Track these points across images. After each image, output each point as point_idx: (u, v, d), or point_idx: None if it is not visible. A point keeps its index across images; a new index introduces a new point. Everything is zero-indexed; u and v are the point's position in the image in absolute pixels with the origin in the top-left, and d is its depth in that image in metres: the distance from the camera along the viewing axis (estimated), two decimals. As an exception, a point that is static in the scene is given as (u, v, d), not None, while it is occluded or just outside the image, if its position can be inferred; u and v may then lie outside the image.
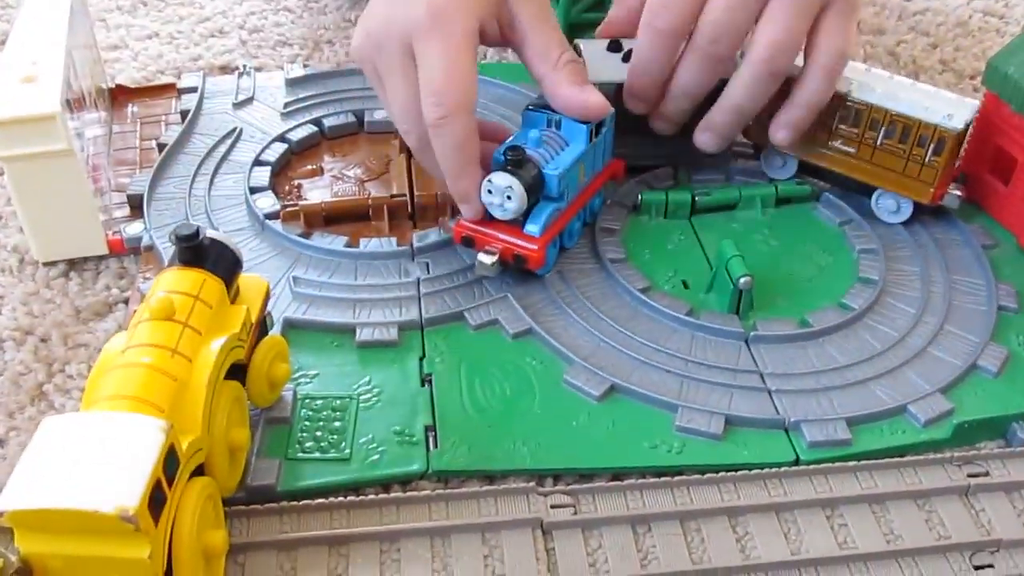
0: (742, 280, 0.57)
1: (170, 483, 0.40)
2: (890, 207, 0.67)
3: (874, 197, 0.67)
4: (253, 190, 0.67)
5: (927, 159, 0.63)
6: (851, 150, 0.66)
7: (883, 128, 0.64)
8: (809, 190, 0.69)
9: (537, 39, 0.60)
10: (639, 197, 0.67)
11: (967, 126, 0.63)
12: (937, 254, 0.65)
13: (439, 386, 0.54)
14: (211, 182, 0.69)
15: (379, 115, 0.75)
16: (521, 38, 0.60)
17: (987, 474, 0.51)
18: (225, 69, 0.85)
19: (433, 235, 0.64)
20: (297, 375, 0.54)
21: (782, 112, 0.64)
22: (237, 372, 0.49)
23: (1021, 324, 0.60)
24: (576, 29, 0.83)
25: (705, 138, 0.66)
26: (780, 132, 0.65)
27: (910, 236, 0.66)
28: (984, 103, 0.68)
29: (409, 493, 0.49)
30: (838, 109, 0.65)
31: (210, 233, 0.50)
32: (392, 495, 0.49)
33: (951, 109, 0.62)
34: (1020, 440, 0.53)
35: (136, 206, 0.67)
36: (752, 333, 0.58)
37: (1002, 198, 0.67)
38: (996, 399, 0.55)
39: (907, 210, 0.67)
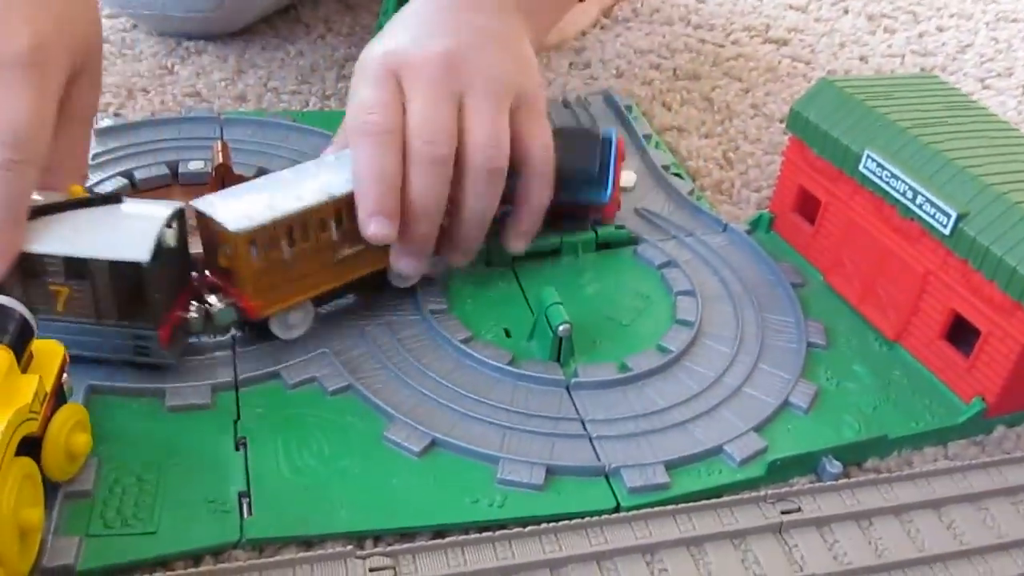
0: (561, 328, 0.58)
1: (-53, 574, 0.37)
2: None
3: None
4: (57, 247, 0.64)
5: None
6: (360, 247, 0.59)
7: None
8: (628, 235, 0.70)
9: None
10: (461, 245, 0.67)
11: None
12: (750, 294, 0.67)
13: (254, 449, 0.52)
14: (12, 239, 0.65)
15: (193, 165, 0.72)
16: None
17: (799, 510, 0.52)
18: (31, 118, 0.81)
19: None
20: (100, 445, 0.51)
21: (512, 223, 0.64)
22: (30, 446, 0.46)
23: (829, 360, 0.62)
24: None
25: (457, 257, 0.63)
26: (518, 242, 0.64)
27: (725, 277, 0.68)
28: (788, 146, 0.71)
29: (221, 565, 0.47)
30: (331, 216, 0.57)
31: (-3, 299, 0.47)
32: (203, 568, 0.47)
33: None
34: (830, 474, 0.55)
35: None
36: (573, 380, 0.58)
37: (808, 237, 0.70)
38: (807, 435, 0.57)
39: None
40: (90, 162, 0.72)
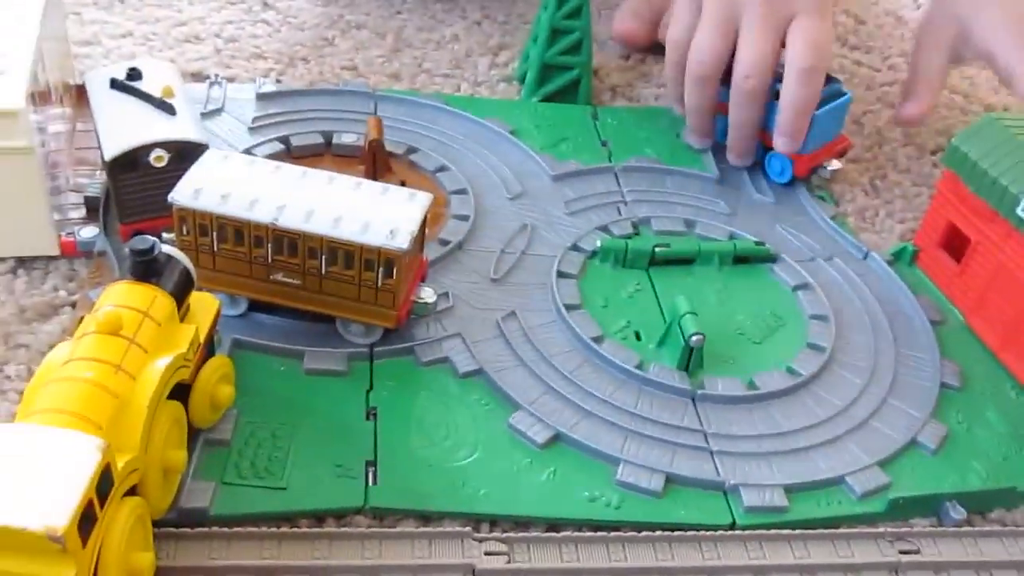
0: (694, 338, 0.58)
1: (103, 503, 0.39)
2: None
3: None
4: (213, 203, 0.66)
5: (380, 283, 0.55)
6: (295, 281, 0.56)
7: (323, 255, 0.55)
8: (767, 251, 0.70)
9: None
10: (598, 243, 0.67)
11: (413, 244, 0.55)
12: (887, 326, 0.66)
13: (383, 421, 0.54)
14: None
15: (347, 138, 0.74)
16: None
17: (918, 551, 0.51)
18: (197, 76, 0.84)
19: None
20: (241, 398, 0.54)
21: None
22: (180, 391, 0.48)
23: (962, 403, 0.61)
24: (549, 70, 0.83)
25: (782, 142, 0.75)
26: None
27: (862, 306, 0.67)
28: (942, 180, 0.69)
29: (343, 528, 0.48)
30: (270, 240, 0.55)
31: (166, 248, 0.49)
32: (326, 529, 0.48)
33: (394, 224, 0.54)
34: (952, 519, 0.54)
35: (93, 209, 0.66)
36: (699, 391, 0.58)
37: (952, 276, 0.69)
38: (931, 476, 0.56)
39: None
40: (249, 124, 0.75)
